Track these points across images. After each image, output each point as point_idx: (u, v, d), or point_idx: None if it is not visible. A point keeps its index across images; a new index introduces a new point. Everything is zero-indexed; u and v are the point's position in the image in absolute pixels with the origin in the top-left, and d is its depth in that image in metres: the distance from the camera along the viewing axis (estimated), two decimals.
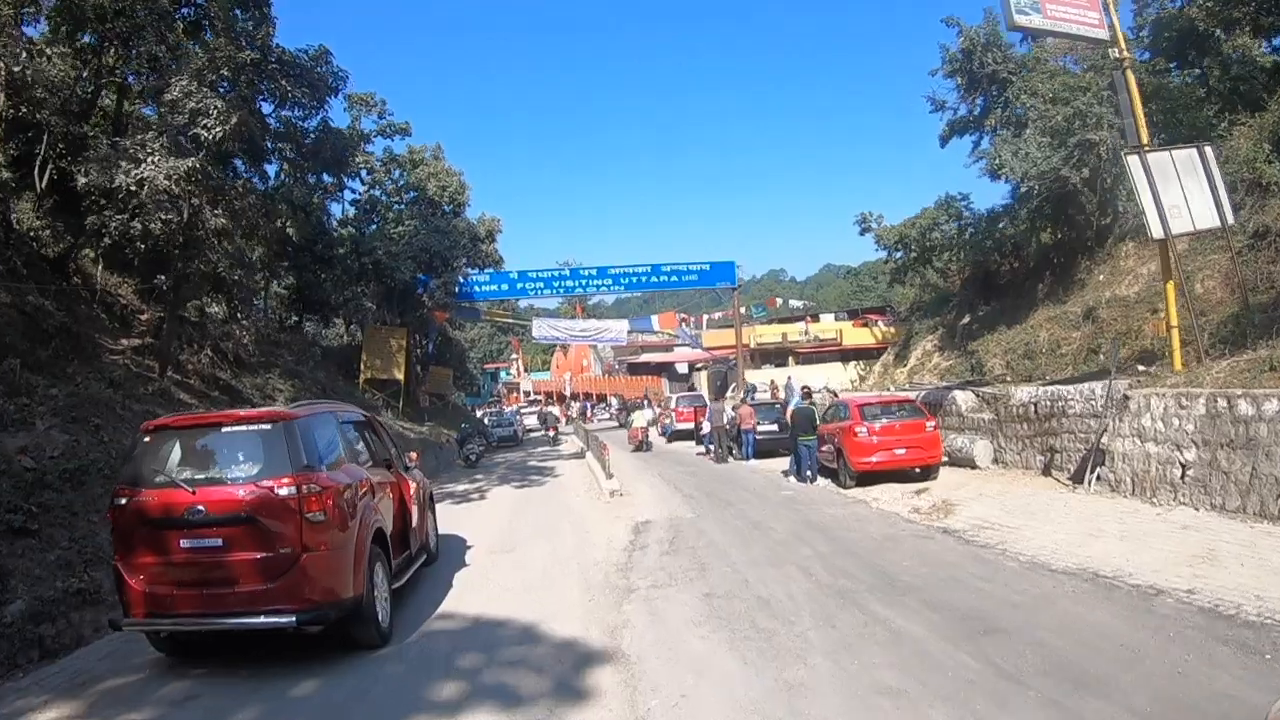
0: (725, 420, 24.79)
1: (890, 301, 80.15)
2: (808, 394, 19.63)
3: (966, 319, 30.92)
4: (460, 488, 22.07)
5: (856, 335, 56.47)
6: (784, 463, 21.61)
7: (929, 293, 38.94)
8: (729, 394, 42.92)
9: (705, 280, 43.56)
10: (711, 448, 25.62)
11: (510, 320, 44.38)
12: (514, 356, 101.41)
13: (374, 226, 33.39)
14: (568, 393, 77.80)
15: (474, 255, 33.29)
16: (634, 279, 42.16)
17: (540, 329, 41.69)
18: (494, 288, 40.57)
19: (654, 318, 44.50)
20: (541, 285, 41.07)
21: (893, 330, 55.94)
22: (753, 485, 18.72)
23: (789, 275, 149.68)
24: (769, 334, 56.56)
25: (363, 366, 32.98)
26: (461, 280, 39.03)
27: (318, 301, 35.07)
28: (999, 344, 25.97)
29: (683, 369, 63.94)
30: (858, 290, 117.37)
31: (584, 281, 41.50)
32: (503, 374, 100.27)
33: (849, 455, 17.27)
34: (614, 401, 68.23)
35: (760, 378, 47.02)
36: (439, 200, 33.71)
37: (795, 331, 56.98)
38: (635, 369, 71.58)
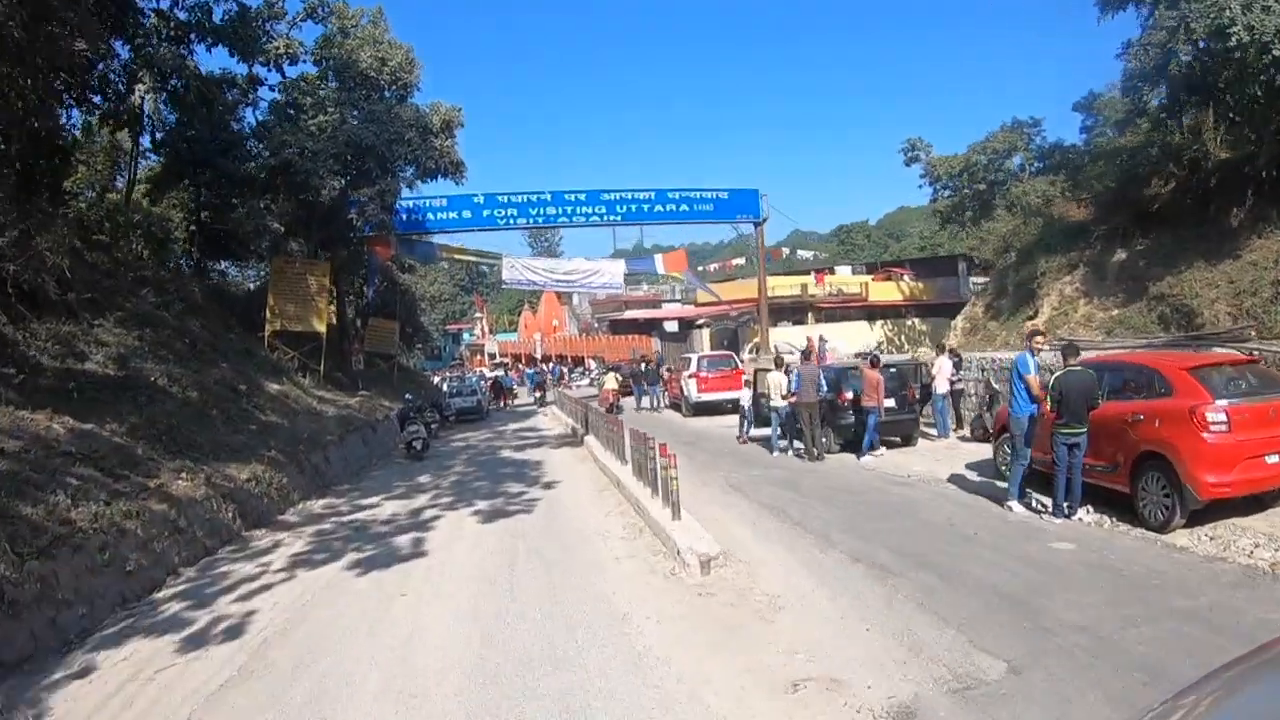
0: (819, 392, 15.69)
1: (921, 249, 71.67)
2: (1073, 350, 10.21)
3: (1121, 254, 22.22)
4: (384, 512, 12.85)
5: (881, 291, 48.91)
6: (911, 460, 13.90)
7: (1032, 226, 30.30)
8: (746, 355, 33.57)
9: (722, 211, 34.26)
10: (779, 435, 16.84)
11: (473, 259, 34.53)
12: (477, 316, 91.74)
13: (295, 123, 23.58)
14: (538, 355, 68.36)
15: (424, 154, 23.50)
16: (633, 207, 32.76)
17: (512, 271, 32.23)
18: (452, 215, 30.96)
19: (658, 257, 35.02)
20: (515, 213, 31.53)
21: (920, 285, 47.85)
22: (965, 524, 9.51)
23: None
24: (783, 286, 47.60)
25: (269, 313, 23.43)
26: (410, 203, 29.42)
27: (224, 234, 25.56)
28: (1209, 284, 17.82)
29: (672, 327, 54.98)
30: (848, 249, 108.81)
31: (569, 208, 32.03)
32: (465, 335, 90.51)
33: (1191, 467, 8.26)
34: (593, 365, 59.18)
35: (781, 337, 38.57)
36: (376, 78, 23.89)
37: (814, 284, 48.33)
38: (618, 327, 62.32)
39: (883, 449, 15.40)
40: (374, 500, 14.05)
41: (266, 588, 8.73)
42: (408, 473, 17.56)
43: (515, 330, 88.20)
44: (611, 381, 30.91)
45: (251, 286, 31.48)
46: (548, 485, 14.23)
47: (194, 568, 9.92)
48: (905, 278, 50.34)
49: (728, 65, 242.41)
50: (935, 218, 48.06)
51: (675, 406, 28.37)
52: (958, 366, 18.55)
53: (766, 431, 18.06)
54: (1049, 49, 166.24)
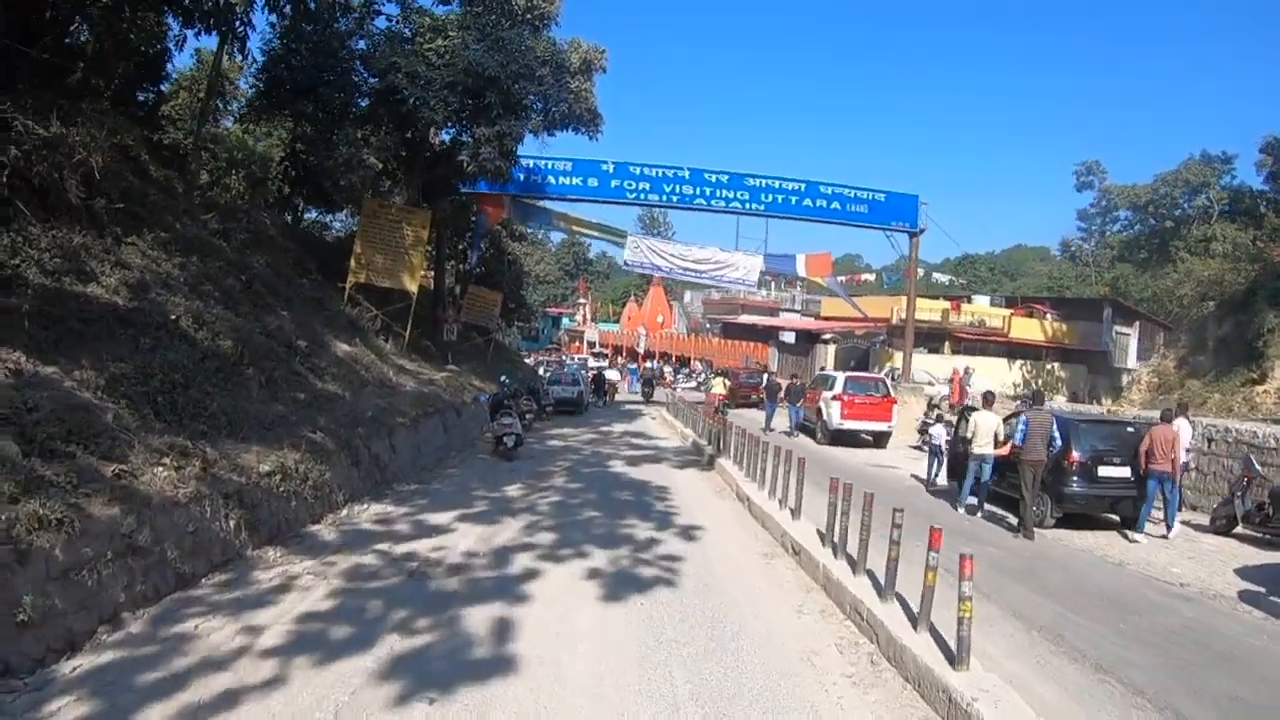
0: (1049, 448, 11.57)
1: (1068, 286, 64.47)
2: None
3: None
4: (456, 545, 8.92)
5: (1023, 328, 43.88)
6: (1155, 553, 10.93)
7: (1242, 273, 25.40)
8: (882, 379, 28.67)
9: (877, 215, 29.87)
10: (970, 491, 13.03)
11: (596, 233, 30.39)
12: (581, 301, 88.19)
13: (407, 47, 20.08)
14: (641, 349, 64.36)
15: (555, 96, 19.67)
16: (779, 198, 28.64)
17: (636, 252, 28.35)
18: (575, 181, 27.19)
19: (800, 257, 30.72)
20: (647, 187, 27.65)
21: (1063, 327, 42.89)
22: None
23: (864, 261, 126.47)
24: (922, 309, 42.67)
25: (353, 262, 19.97)
26: (530, 162, 25.74)
27: (318, 171, 22.36)
28: None
29: (789, 338, 50.46)
30: (970, 282, 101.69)
31: (708, 190, 28.01)
32: (564, 320, 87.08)
33: None
34: (699, 367, 55.00)
35: (917, 364, 34.21)
36: (509, 2, 20.09)
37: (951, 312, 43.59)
38: (731, 331, 58.03)
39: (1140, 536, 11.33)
40: (444, 518, 10.16)
41: (228, 702, 4.84)
42: (493, 477, 13.73)
43: (617, 321, 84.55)
44: (720, 386, 28.10)
45: (341, 236, 28.36)
46: (687, 532, 10.07)
47: (148, 612, 6.23)
48: (1048, 316, 45.20)
49: (869, 52, 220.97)
50: (1105, 253, 43.14)
51: (805, 429, 24.04)
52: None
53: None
54: (1238, 81, 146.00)
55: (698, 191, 27.99)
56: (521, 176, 26.19)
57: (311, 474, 9.57)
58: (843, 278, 50.47)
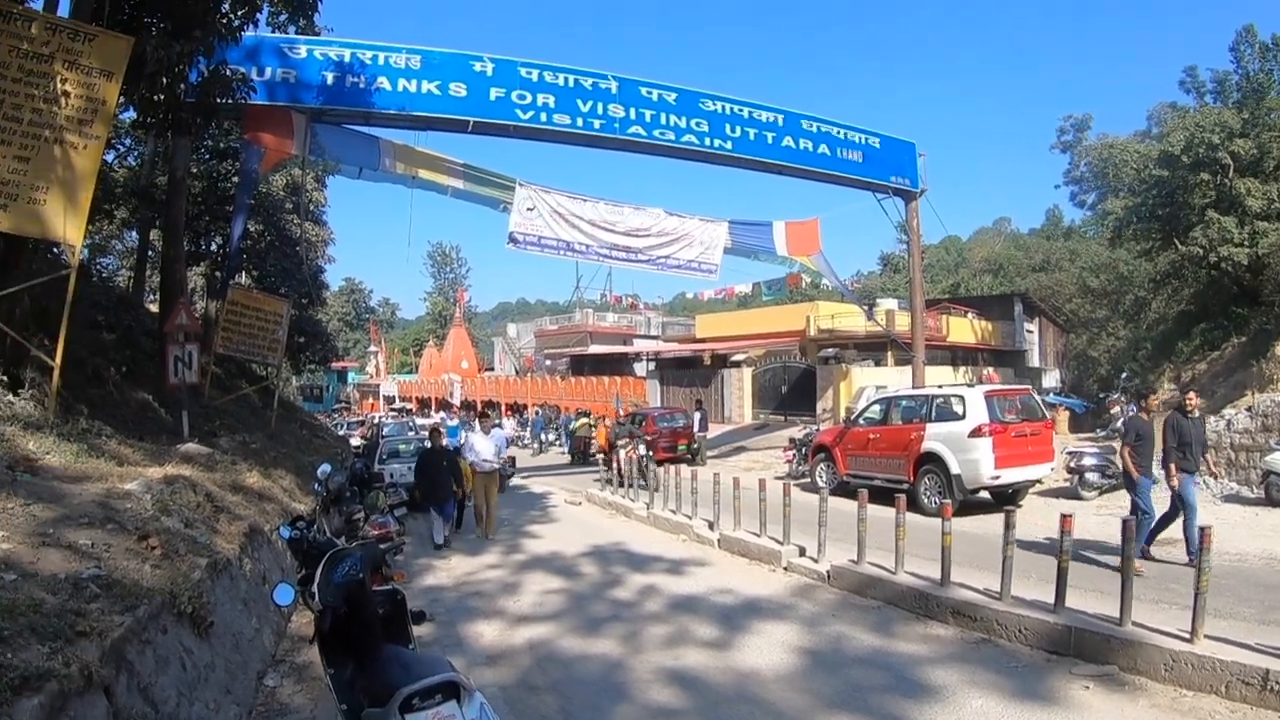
0: None
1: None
2: None
3: None
4: None
5: (958, 330, 38.15)
6: None
7: None
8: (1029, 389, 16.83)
9: (873, 167, 20.33)
10: None
11: (459, 182, 16.64)
12: (372, 350, 73.42)
13: None
14: (455, 400, 51.47)
15: None
16: (750, 132, 18.17)
17: (531, 217, 16.21)
18: (428, 87, 15.03)
19: (778, 225, 19.52)
20: (552, 103, 15.97)
21: (989, 325, 39.35)
22: None
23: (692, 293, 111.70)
24: (846, 314, 34.28)
25: None
26: (345, 53, 13.68)
27: None
28: None
29: (642, 369, 40.53)
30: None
31: (649, 115, 16.86)
32: (351, 375, 72.21)
33: None
34: (537, 413, 42.05)
35: (872, 379, 26.83)
36: None
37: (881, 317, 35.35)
38: (580, 366, 46.26)
39: None
40: None
41: None
42: None
43: (414, 371, 70.95)
44: (584, 428, 25.61)
45: None
46: None
47: None
48: (969, 315, 40.05)
49: None
50: (1098, 229, 35.95)
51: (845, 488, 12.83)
52: None
53: None
54: None
55: (632, 114, 16.63)
56: (328, 76, 14.06)
57: None
58: (711, 293, 40.27)
